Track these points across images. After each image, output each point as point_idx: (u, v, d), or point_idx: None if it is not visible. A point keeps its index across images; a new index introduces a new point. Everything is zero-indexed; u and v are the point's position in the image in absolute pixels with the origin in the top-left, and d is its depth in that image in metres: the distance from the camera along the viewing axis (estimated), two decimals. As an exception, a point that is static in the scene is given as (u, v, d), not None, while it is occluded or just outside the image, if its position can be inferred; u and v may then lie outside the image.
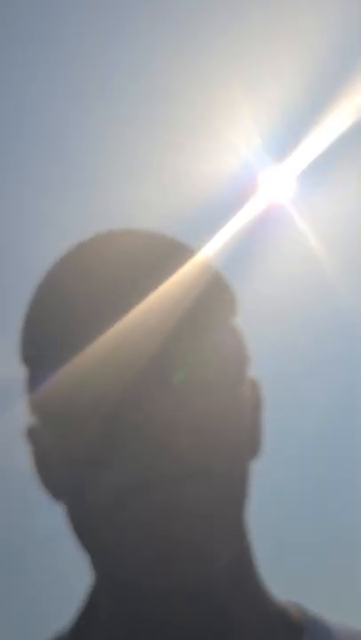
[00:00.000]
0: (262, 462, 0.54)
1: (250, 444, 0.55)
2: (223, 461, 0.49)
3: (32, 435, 0.57)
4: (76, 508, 0.51)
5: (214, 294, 0.53)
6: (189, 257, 0.54)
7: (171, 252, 0.53)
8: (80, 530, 0.51)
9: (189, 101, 2.15)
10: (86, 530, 0.50)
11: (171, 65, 2.19)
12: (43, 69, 2.36)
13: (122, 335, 0.48)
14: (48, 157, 2.35)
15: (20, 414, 0.58)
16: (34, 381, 0.54)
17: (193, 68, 2.14)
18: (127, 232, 0.55)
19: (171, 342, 0.49)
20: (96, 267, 0.51)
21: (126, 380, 0.47)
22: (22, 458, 0.58)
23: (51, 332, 0.51)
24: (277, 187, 1.99)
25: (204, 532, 0.46)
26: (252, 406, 0.57)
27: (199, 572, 0.46)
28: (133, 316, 0.49)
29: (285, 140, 2.03)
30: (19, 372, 0.57)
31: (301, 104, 2.11)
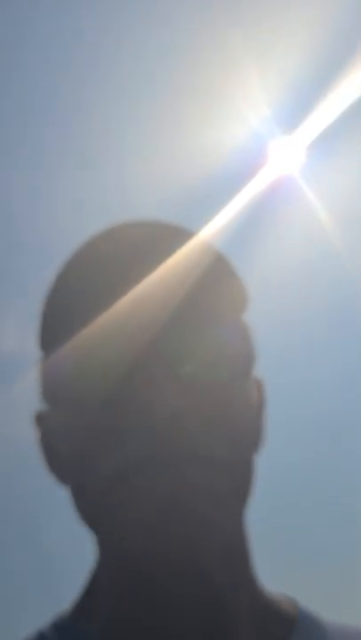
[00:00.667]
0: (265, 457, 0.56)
1: (253, 439, 0.55)
2: (226, 450, 0.49)
3: (40, 419, 0.58)
4: (80, 489, 0.52)
5: (227, 289, 0.55)
6: (205, 252, 0.55)
7: (188, 247, 0.54)
8: (84, 511, 0.52)
9: (198, 71, 2.14)
10: (89, 511, 0.51)
11: (179, 34, 2.17)
12: (40, 42, 2.35)
13: (133, 324, 0.50)
14: (50, 124, 2.34)
15: (29, 397, 0.59)
16: (48, 365, 0.55)
17: (202, 38, 2.12)
18: (144, 224, 0.56)
19: (181, 333, 0.50)
20: (114, 258, 0.52)
21: (134, 368, 0.49)
22: (30, 441, 0.60)
23: (68, 319, 0.52)
24: (287, 158, 1.99)
25: (203, 516, 0.46)
26: (256, 403, 0.58)
27: (196, 552, 0.47)
28: (145, 306, 0.50)
29: (295, 111, 2.02)
30: (28, 353, 0.58)
31: (312, 74, 2.10)
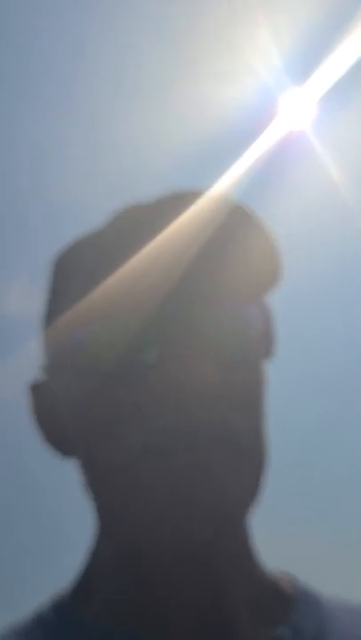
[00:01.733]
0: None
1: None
2: (250, 431, 0.49)
3: (37, 389, 0.57)
4: (94, 465, 0.50)
5: (261, 263, 0.52)
6: (237, 217, 0.52)
7: (225, 222, 0.51)
8: (96, 486, 0.51)
9: (207, 21, 2.08)
10: (103, 487, 0.50)
11: None
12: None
13: (157, 294, 0.48)
14: (52, 78, 2.31)
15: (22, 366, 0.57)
16: (58, 332, 0.53)
17: None
18: (160, 199, 0.53)
19: (208, 310, 0.49)
20: (126, 227, 0.51)
21: (162, 342, 0.47)
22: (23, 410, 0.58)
23: (81, 283, 0.50)
24: (298, 111, 1.95)
25: (224, 496, 0.46)
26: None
27: (210, 533, 0.46)
28: (168, 276, 0.48)
29: (306, 62, 1.97)
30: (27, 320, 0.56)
31: (324, 22, 2.04)
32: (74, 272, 0.53)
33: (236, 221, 0.51)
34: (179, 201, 0.51)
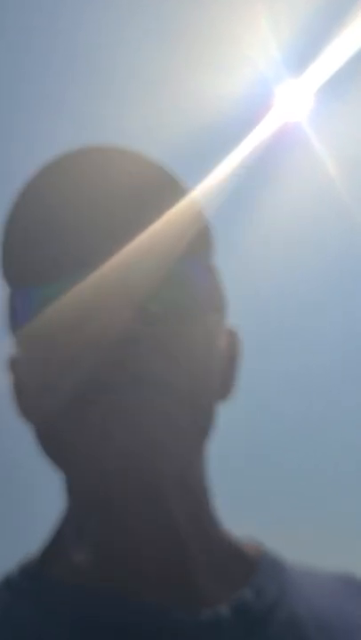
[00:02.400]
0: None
1: (221, 385, 0.56)
2: (185, 379, 0.50)
3: (13, 364, 0.59)
4: (42, 422, 0.53)
5: (193, 228, 0.54)
6: (172, 188, 0.54)
7: (155, 180, 0.53)
8: (45, 444, 0.53)
9: (205, 13, 2.07)
10: (49, 443, 0.52)
11: None
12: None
13: (96, 258, 0.50)
14: (47, 63, 2.30)
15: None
16: (15, 300, 0.55)
17: None
18: (114, 150, 0.55)
19: (144, 266, 0.51)
20: (79, 184, 0.53)
21: (95, 296, 0.50)
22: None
23: (33, 252, 0.52)
24: (294, 103, 1.94)
25: (160, 443, 0.47)
26: (228, 352, 0.59)
27: (153, 477, 0.48)
28: (109, 238, 0.50)
29: (303, 54, 1.96)
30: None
31: (321, 14, 2.03)
32: (22, 248, 0.54)
33: (171, 192, 0.53)
34: (131, 175, 0.53)
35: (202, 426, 0.53)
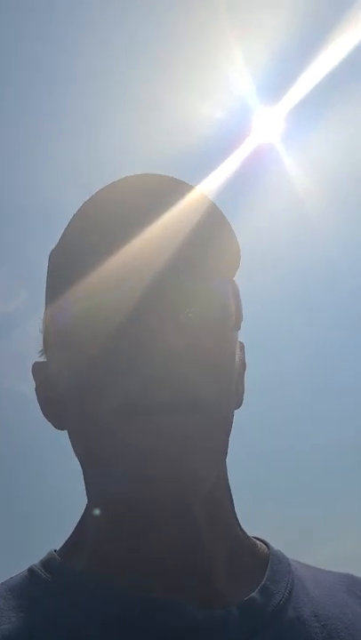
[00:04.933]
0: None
1: (235, 392, 0.57)
2: (214, 395, 0.52)
3: (38, 369, 0.60)
4: (81, 430, 0.54)
5: (226, 246, 0.57)
6: (209, 209, 0.56)
7: (191, 201, 0.55)
8: (80, 450, 0.54)
9: (184, 42, 2.16)
10: (89, 449, 0.53)
11: (164, 5, 2.22)
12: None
13: (135, 272, 0.51)
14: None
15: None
16: (54, 310, 0.57)
17: (187, 8, 2.16)
18: (148, 176, 0.56)
19: (182, 282, 0.52)
20: (119, 207, 0.54)
21: (137, 312, 0.51)
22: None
23: (73, 269, 0.53)
24: (270, 127, 2.04)
25: (195, 456, 0.49)
26: (240, 366, 0.60)
27: (186, 490, 0.49)
28: (148, 255, 0.52)
29: (277, 85, 2.10)
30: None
31: (292, 48, 2.16)
32: (66, 266, 0.55)
33: (211, 216, 0.55)
34: (169, 195, 0.55)
35: (225, 438, 0.54)
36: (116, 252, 0.52)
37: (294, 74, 2.03)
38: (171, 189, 0.55)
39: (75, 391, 0.53)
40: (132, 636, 0.49)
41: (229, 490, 0.58)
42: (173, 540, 0.52)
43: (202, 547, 0.53)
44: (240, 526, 0.59)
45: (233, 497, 0.58)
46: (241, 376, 0.60)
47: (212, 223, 0.56)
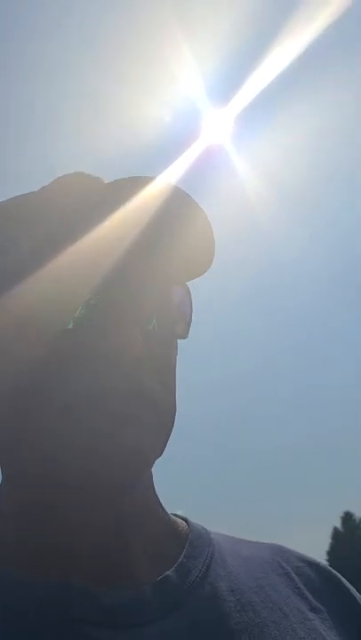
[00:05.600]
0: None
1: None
2: (164, 393, 0.53)
3: None
4: (22, 415, 0.51)
5: (202, 259, 0.57)
6: (180, 204, 0.54)
7: (160, 196, 0.53)
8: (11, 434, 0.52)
9: (133, 43, 2.19)
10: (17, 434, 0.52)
11: (114, 10, 2.22)
12: None
13: (103, 269, 0.50)
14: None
15: None
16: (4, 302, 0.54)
17: (135, 11, 2.18)
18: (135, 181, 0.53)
19: (150, 289, 0.53)
20: (75, 201, 0.53)
21: (105, 316, 0.50)
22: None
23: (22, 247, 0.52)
24: (219, 129, 2.08)
25: (138, 431, 0.49)
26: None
27: (125, 478, 0.49)
28: (128, 267, 0.51)
29: (225, 87, 2.10)
30: None
31: (243, 48, 2.18)
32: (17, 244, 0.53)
33: (176, 207, 0.53)
34: (127, 185, 0.52)
35: (170, 428, 0.54)
36: (63, 253, 0.50)
37: (244, 75, 2.06)
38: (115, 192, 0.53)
39: (17, 384, 0.51)
40: (29, 627, 0.47)
41: (150, 472, 0.57)
42: (90, 525, 0.51)
43: (121, 530, 0.52)
44: (161, 506, 0.59)
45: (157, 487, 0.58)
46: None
47: (180, 212, 0.54)
